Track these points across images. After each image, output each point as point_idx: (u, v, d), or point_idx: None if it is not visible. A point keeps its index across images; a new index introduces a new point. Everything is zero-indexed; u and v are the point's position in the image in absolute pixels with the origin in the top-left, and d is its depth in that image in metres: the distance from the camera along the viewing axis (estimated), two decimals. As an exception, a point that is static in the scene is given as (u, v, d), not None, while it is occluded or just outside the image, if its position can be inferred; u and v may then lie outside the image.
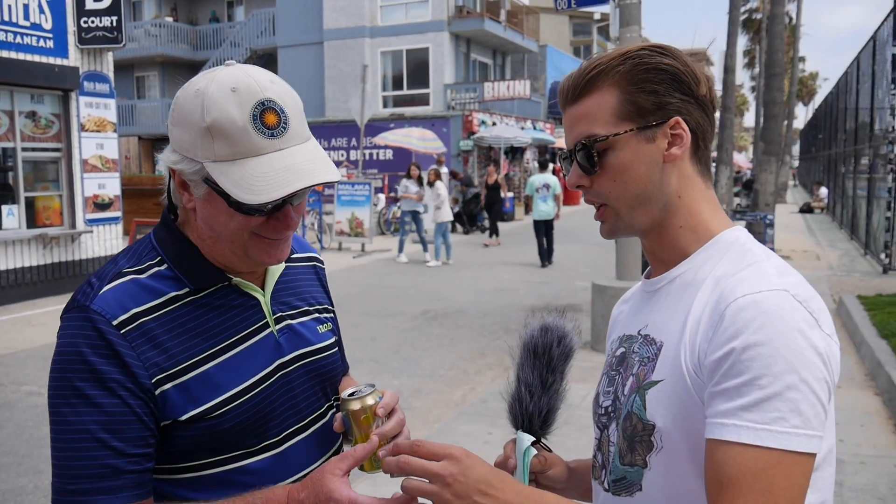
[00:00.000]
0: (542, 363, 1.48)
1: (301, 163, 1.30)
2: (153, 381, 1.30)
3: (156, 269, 1.39)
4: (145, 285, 1.36)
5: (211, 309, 1.41)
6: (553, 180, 15.61)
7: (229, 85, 1.28)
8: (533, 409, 1.47)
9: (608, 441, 1.32)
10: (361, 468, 1.41)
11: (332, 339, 1.62)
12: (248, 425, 1.39)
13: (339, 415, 1.47)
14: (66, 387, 1.27)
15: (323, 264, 1.76)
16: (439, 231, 15.55)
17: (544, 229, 15.28)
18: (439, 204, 15.52)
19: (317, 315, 1.60)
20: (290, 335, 1.51)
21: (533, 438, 1.47)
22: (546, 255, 15.32)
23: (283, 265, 1.56)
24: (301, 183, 1.28)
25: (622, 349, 1.35)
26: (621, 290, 7.93)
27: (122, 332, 1.29)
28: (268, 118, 1.28)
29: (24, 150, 11.92)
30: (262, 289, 1.50)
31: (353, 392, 1.43)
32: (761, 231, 13.43)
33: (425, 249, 15.80)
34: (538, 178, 15.70)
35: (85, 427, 1.26)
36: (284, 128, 1.30)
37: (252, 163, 1.28)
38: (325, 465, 1.29)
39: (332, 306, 1.71)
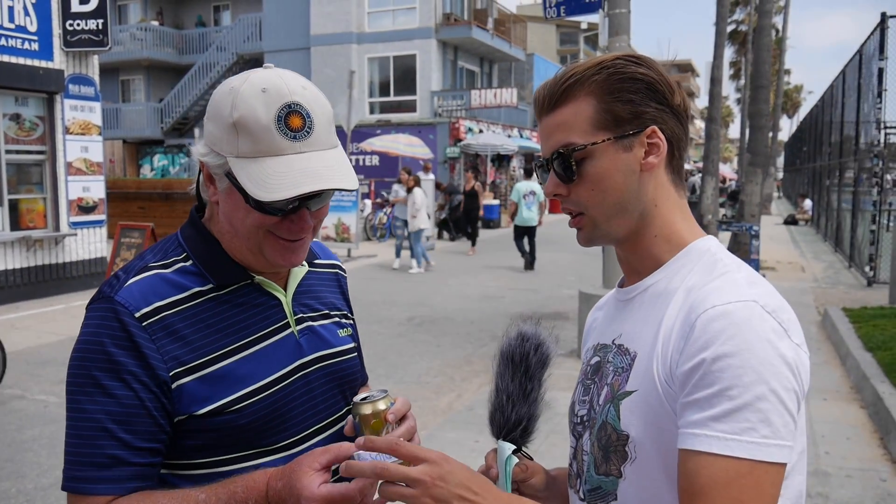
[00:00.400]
0: (521, 371, 1.48)
1: (318, 167, 1.32)
2: (171, 374, 1.33)
3: (180, 264, 1.43)
4: (169, 280, 1.40)
5: (233, 306, 1.43)
6: (539, 188, 15.95)
7: (261, 85, 1.31)
8: (514, 417, 1.47)
9: (583, 450, 1.34)
10: None
11: (352, 344, 1.65)
12: (265, 423, 1.41)
13: (350, 418, 1.48)
14: (84, 375, 1.31)
15: (345, 273, 1.78)
16: (416, 238, 15.58)
17: (526, 235, 15.58)
18: (414, 213, 15.53)
19: (337, 319, 1.63)
20: (311, 336, 1.53)
21: (514, 447, 1.47)
22: (529, 261, 15.60)
23: (305, 269, 1.59)
24: (312, 186, 1.30)
25: (597, 358, 1.37)
26: (608, 299, 7.91)
27: (144, 324, 1.32)
28: (292, 121, 1.31)
29: (7, 152, 11.81)
30: (285, 290, 1.52)
31: (366, 397, 1.43)
32: (747, 242, 13.47)
33: (412, 256, 15.78)
34: (524, 185, 16.02)
35: (96, 416, 1.29)
36: (308, 132, 1.32)
37: (271, 162, 1.30)
38: (305, 456, 1.28)
39: (352, 315, 1.73)
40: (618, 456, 1.22)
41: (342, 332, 1.61)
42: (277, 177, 1.29)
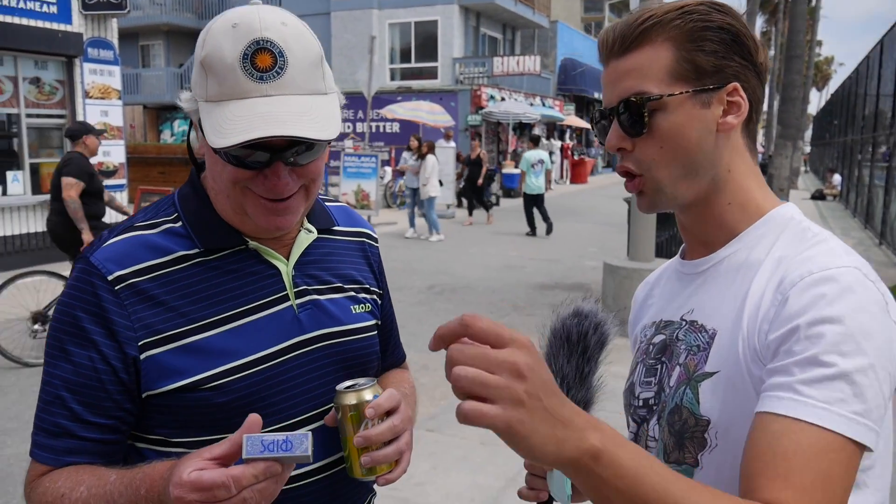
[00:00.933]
0: (578, 352, 1.32)
1: (282, 112, 1.16)
2: (140, 343, 1.23)
3: (168, 225, 1.30)
4: (152, 242, 1.27)
5: (223, 273, 1.29)
6: (546, 156, 16.60)
7: (233, 21, 1.17)
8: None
9: (647, 436, 1.22)
10: (351, 473, 1.26)
11: (370, 322, 1.46)
12: (247, 403, 1.26)
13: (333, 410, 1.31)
14: (54, 336, 1.24)
15: (376, 242, 1.61)
16: (430, 205, 15.43)
17: (535, 203, 16.01)
18: (425, 180, 15.38)
19: (352, 293, 1.45)
20: (315, 311, 1.36)
21: None
22: (547, 226, 15.96)
23: (313, 236, 1.42)
24: (267, 132, 1.13)
25: (661, 336, 1.25)
26: (633, 270, 7.81)
27: (116, 288, 1.21)
28: (260, 59, 1.16)
29: (28, 116, 11.80)
30: (287, 258, 1.36)
31: (352, 385, 1.27)
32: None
33: (428, 224, 15.69)
34: (533, 154, 16.40)
35: (55, 381, 1.23)
36: (279, 73, 1.17)
37: (233, 105, 1.16)
38: (204, 448, 1.10)
39: (382, 288, 1.57)
40: (695, 443, 1.11)
41: (357, 308, 1.44)
42: (234, 121, 1.14)
